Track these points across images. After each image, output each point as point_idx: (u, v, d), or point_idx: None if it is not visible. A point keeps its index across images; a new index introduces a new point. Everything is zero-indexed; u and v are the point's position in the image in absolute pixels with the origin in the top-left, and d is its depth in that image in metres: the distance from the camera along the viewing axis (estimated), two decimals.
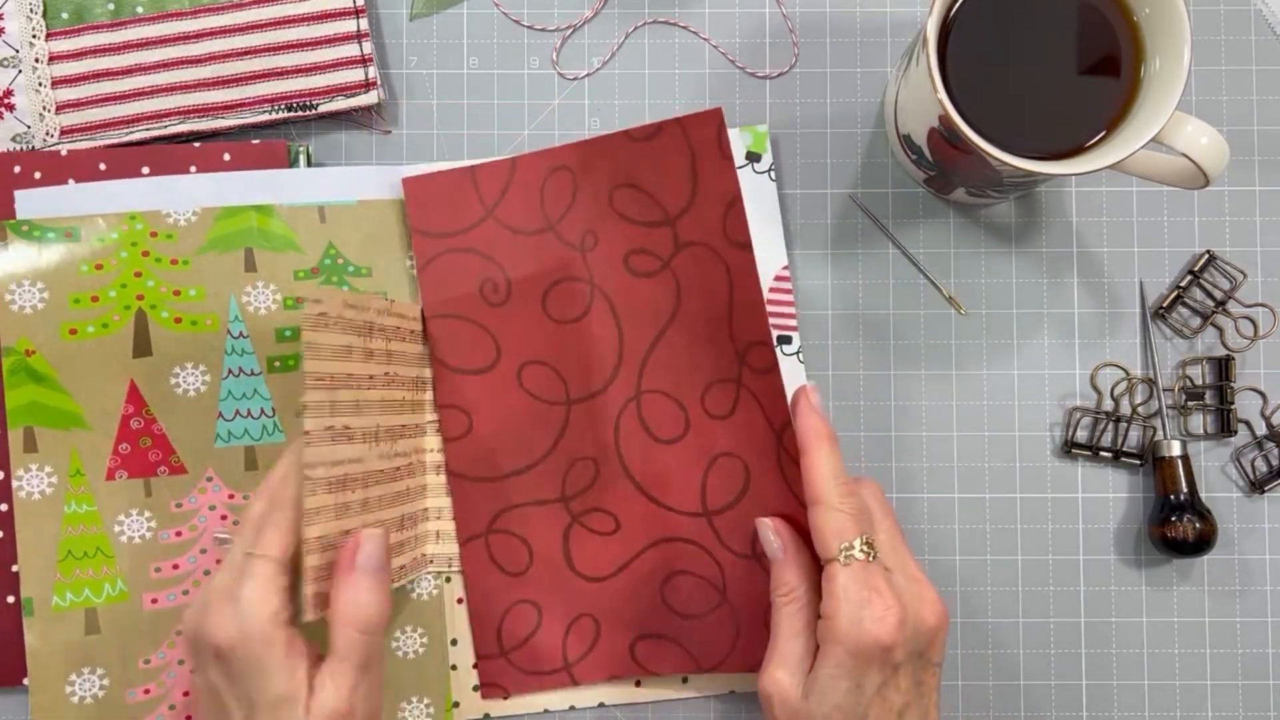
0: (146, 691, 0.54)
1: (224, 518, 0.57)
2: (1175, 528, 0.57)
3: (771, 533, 0.53)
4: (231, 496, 0.56)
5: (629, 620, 0.57)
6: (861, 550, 0.48)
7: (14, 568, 0.57)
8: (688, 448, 0.57)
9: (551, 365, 0.57)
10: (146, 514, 0.55)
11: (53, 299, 0.54)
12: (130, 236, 0.55)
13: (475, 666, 0.58)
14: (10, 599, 0.57)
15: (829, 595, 0.48)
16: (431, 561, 0.58)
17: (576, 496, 0.58)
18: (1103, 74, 0.52)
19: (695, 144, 0.55)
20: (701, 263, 0.56)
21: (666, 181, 0.56)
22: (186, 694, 0.55)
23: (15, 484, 0.54)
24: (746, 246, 0.54)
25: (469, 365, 0.57)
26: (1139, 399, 0.60)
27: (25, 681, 0.57)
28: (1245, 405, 0.60)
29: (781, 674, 0.49)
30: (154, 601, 0.55)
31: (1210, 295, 0.59)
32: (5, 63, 0.58)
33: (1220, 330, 0.60)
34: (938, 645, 0.49)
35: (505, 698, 0.58)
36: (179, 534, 0.55)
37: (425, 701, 0.57)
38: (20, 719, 0.59)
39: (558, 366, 0.57)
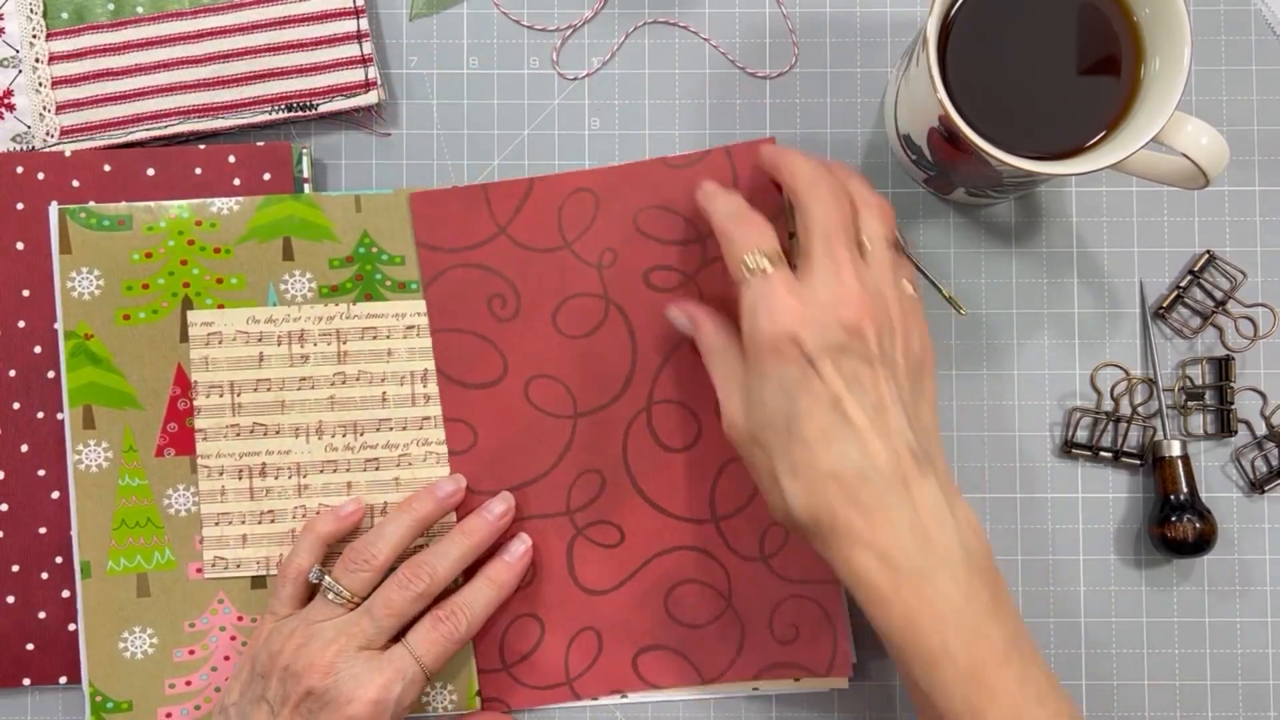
0: (191, 652, 0.58)
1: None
2: (1175, 528, 0.57)
3: (679, 312, 0.55)
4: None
5: (632, 633, 0.58)
6: (757, 262, 0.48)
7: (14, 568, 0.58)
8: (698, 455, 0.58)
9: (560, 379, 0.58)
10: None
11: (108, 286, 0.57)
12: (177, 225, 0.57)
13: (477, 679, 0.58)
14: (10, 599, 0.58)
15: (741, 317, 0.49)
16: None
17: (581, 509, 0.58)
18: (1103, 74, 0.52)
19: (740, 169, 0.57)
20: (728, 275, 0.56)
21: None
22: (227, 658, 0.58)
23: (75, 457, 0.57)
24: None
25: (474, 379, 0.58)
26: (1139, 399, 0.60)
27: (25, 681, 0.58)
28: (1245, 405, 0.60)
29: (729, 411, 0.50)
30: (198, 571, 0.58)
31: (1210, 295, 0.59)
32: (5, 63, 0.58)
33: (1220, 330, 0.60)
34: (864, 339, 0.47)
35: (506, 712, 0.58)
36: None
37: (449, 689, 0.58)
38: (20, 719, 0.59)
39: (566, 380, 0.58)
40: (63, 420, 0.58)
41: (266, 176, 0.58)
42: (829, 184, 0.50)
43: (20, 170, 0.58)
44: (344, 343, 0.58)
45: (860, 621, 0.59)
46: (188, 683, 0.57)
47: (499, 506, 0.57)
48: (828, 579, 0.58)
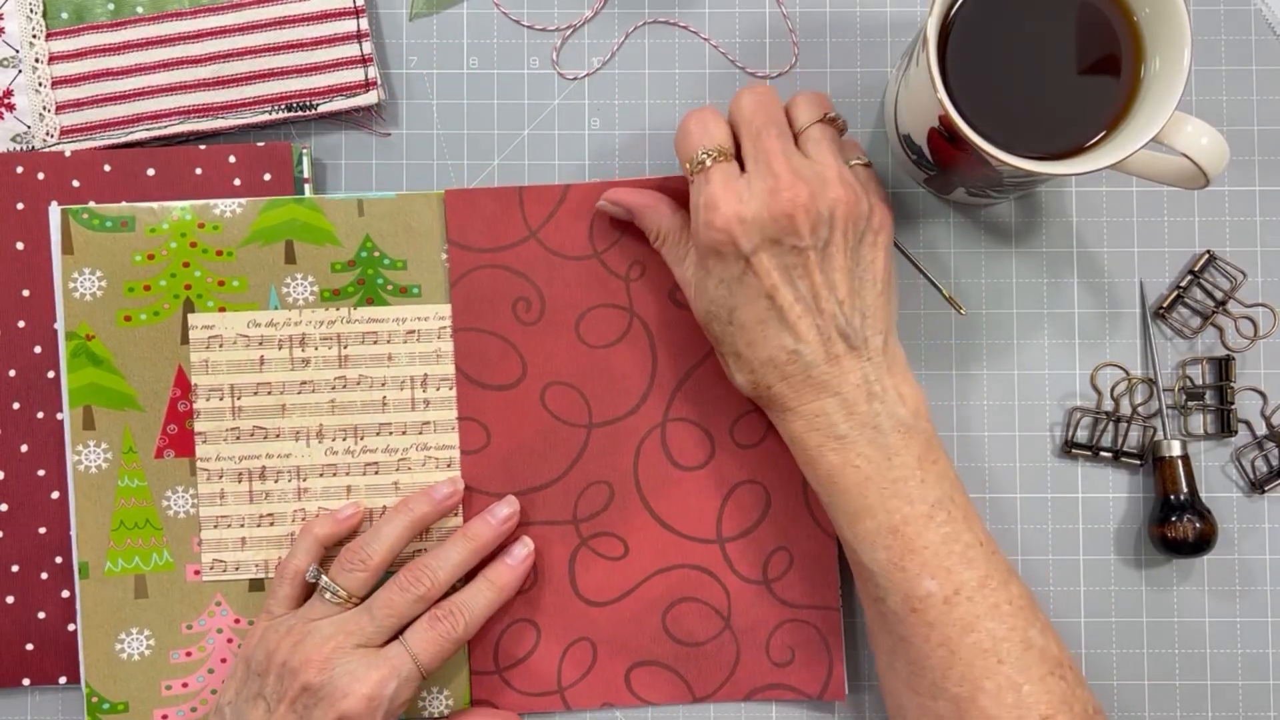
0: (188, 654, 0.58)
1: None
2: (1175, 528, 0.57)
3: (610, 202, 0.57)
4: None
5: (627, 646, 0.58)
6: (702, 157, 0.51)
7: (14, 568, 0.58)
8: (709, 475, 0.58)
9: (577, 387, 0.58)
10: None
11: (110, 287, 0.57)
12: (180, 227, 0.57)
13: (469, 681, 0.58)
14: (10, 599, 0.58)
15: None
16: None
17: (588, 519, 0.58)
18: (1103, 74, 0.52)
19: None
20: None
21: None
22: (224, 660, 0.58)
23: (75, 458, 0.57)
24: None
25: (492, 380, 0.58)
26: (1139, 399, 0.60)
27: (25, 681, 0.58)
28: (1245, 405, 0.60)
29: (686, 294, 0.55)
30: (196, 573, 0.58)
31: (1210, 295, 0.59)
32: (5, 63, 0.58)
33: (1220, 330, 0.60)
34: (796, 230, 0.49)
35: None
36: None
37: (445, 694, 0.58)
38: (20, 719, 0.59)
39: (583, 389, 0.58)
40: (63, 420, 0.58)
41: (266, 177, 0.58)
42: (753, 90, 0.53)
43: (20, 170, 0.58)
44: (345, 347, 0.58)
45: (862, 632, 0.59)
46: (184, 684, 0.57)
47: (504, 510, 0.57)
48: (828, 605, 0.58)
